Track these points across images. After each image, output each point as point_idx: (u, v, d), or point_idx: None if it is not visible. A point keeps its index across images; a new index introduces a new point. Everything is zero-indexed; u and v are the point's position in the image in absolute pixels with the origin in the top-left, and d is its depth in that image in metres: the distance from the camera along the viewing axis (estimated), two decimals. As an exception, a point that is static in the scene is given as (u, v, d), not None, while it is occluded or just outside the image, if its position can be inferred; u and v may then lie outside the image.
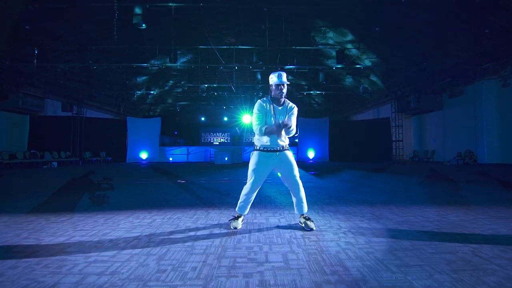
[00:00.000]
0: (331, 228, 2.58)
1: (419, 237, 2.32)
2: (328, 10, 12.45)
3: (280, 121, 2.49)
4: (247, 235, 2.40)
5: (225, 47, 14.57)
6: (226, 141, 27.06)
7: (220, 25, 15.09)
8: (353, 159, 18.06)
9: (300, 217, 2.64)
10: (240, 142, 25.44)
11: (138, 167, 13.37)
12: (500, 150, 13.01)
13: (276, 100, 2.59)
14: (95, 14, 11.84)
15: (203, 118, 29.14)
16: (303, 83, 22.00)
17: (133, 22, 10.04)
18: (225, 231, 2.53)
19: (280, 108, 2.59)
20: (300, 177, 2.62)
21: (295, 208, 2.63)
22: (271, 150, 2.56)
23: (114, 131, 18.70)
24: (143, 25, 10.24)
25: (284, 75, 2.56)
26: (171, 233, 2.47)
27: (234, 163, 15.84)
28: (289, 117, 2.55)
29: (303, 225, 2.58)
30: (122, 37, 13.95)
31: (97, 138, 17.84)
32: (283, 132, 2.55)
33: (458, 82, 14.68)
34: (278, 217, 3.02)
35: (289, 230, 2.52)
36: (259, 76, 14.73)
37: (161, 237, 2.36)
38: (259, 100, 2.61)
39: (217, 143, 26.51)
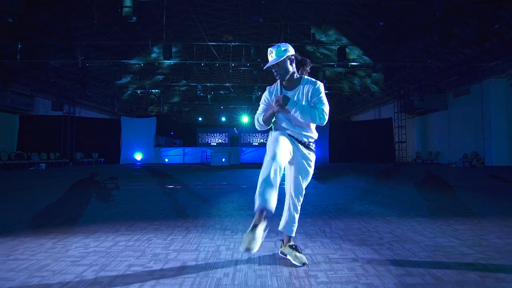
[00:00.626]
0: (344, 259, 1.96)
1: (467, 275, 1.69)
2: (328, 4, 11.85)
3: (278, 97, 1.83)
4: (231, 270, 1.77)
5: (222, 43, 13.96)
6: (224, 141, 26.46)
7: (217, 21, 14.50)
8: (354, 160, 17.45)
9: (285, 245, 1.94)
10: (238, 143, 24.85)
11: (130, 168, 12.73)
12: (509, 152, 12.41)
13: (286, 81, 1.92)
14: (84, 8, 11.23)
15: (200, 118, 28.52)
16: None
17: (123, 15, 9.42)
18: (203, 263, 1.90)
19: (293, 90, 1.91)
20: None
21: (282, 225, 1.94)
22: (294, 137, 1.89)
23: (107, 131, 18.03)
24: (134, 18, 9.62)
25: (277, 48, 1.85)
26: (130, 266, 1.84)
27: (231, 165, 15.22)
28: (313, 97, 1.85)
29: (289, 257, 1.86)
30: (114, 33, 13.38)
31: (90, 139, 17.17)
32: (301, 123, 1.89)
33: (464, 81, 14.09)
34: (275, 239, 2.39)
35: (289, 261, 1.89)
36: (256, 72, 14.12)
37: (114, 274, 1.73)
38: (267, 87, 2.03)
39: (215, 144, 25.90)
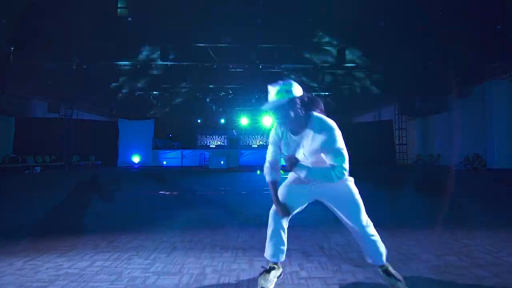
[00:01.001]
0: (344, 282, 1.75)
1: (484, 306, 1.48)
2: (328, 4, 11.67)
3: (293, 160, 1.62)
4: (215, 301, 1.56)
5: (220, 45, 13.77)
6: (223, 144, 26.24)
7: (215, 21, 14.31)
8: (354, 163, 17.11)
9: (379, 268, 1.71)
10: (237, 145, 24.63)
11: (127, 172, 12.52)
12: (511, 154, 12.21)
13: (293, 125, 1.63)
14: (82, 8, 11.05)
15: (199, 120, 28.32)
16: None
17: (118, 15, 9.27)
18: (185, 290, 1.69)
19: (299, 134, 1.63)
20: None
21: (369, 259, 1.73)
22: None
23: (104, 134, 17.84)
24: (129, 18, 9.48)
25: (278, 87, 1.55)
26: (101, 294, 1.63)
27: (230, 168, 15.02)
28: (325, 146, 1.57)
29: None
30: (110, 34, 13.18)
31: (86, 141, 16.96)
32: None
33: (465, 82, 13.88)
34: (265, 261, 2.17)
35: (281, 288, 1.68)
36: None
37: (81, 305, 1.52)
38: (275, 125, 1.76)
39: (214, 146, 25.70)
